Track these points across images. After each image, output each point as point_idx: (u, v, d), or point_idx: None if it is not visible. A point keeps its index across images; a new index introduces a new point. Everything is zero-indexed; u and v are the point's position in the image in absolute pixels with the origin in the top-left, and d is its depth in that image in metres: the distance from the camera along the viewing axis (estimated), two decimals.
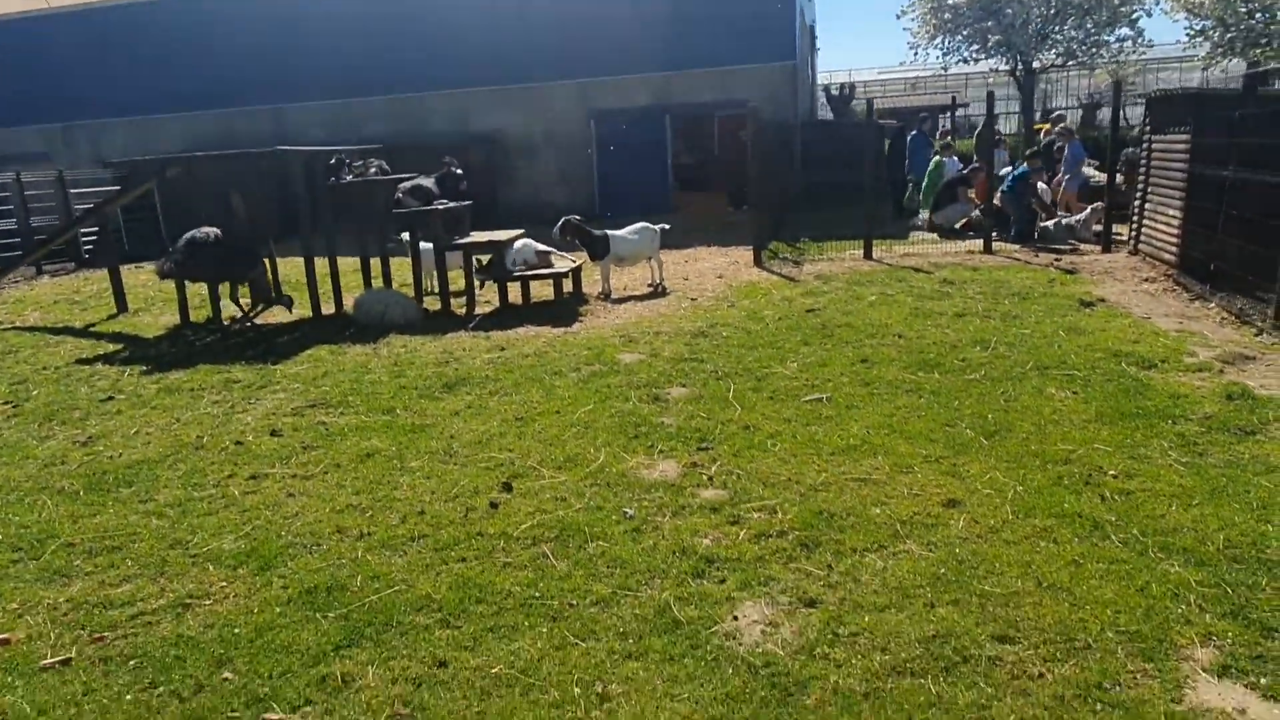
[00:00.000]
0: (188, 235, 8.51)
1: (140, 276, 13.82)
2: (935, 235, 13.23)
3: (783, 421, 5.34)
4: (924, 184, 14.57)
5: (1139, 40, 22.80)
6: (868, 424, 5.22)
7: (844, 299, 8.79)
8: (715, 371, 6.47)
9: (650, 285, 10.24)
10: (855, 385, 5.98)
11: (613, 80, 19.52)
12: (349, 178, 9.45)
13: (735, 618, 3.28)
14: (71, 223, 12.13)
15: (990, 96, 11.82)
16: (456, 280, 9.89)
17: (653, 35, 19.02)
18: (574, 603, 3.43)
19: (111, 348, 8.74)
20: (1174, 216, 9.45)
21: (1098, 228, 11.94)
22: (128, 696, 3.06)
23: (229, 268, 8.79)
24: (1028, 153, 12.64)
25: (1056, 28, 22.45)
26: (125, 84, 21.76)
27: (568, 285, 9.56)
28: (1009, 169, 13.51)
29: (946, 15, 22.26)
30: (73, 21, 22.15)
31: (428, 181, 9.64)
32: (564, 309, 9.18)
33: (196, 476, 5.01)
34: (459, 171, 9.91)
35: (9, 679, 3.20)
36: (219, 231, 8.66)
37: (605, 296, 9.69)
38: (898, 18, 24.74)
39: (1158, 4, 22.50)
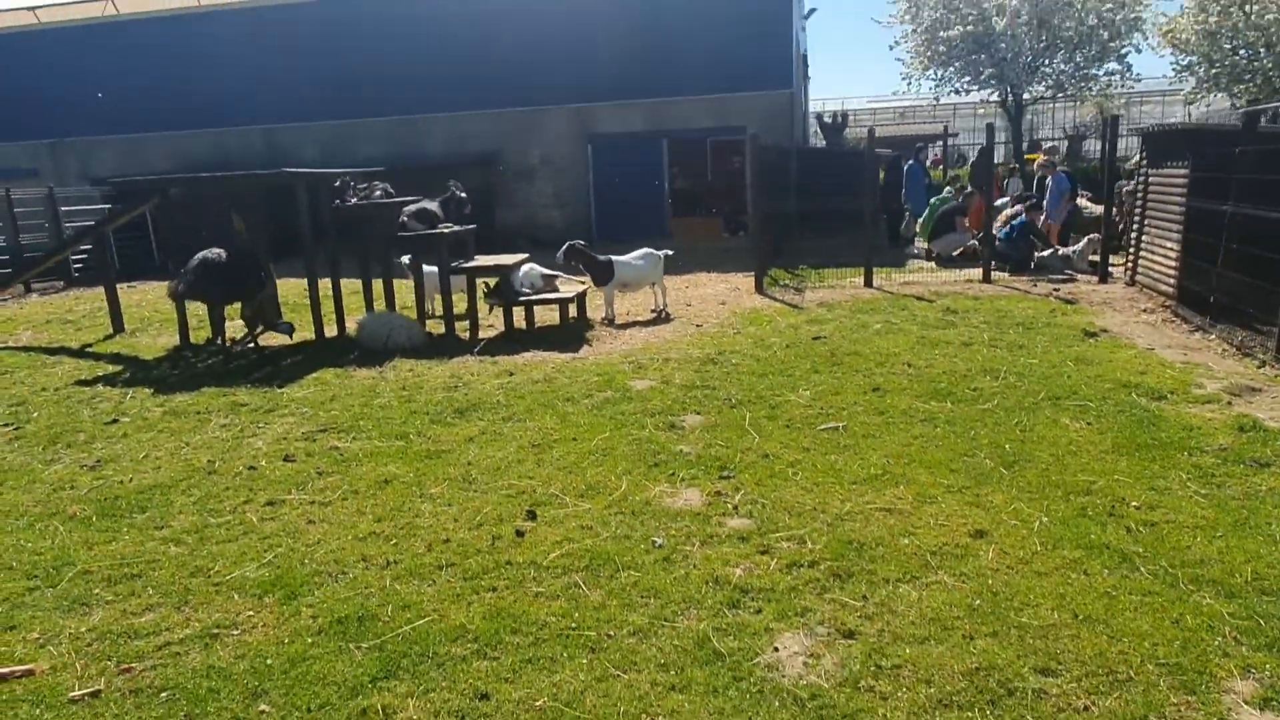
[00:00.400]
0: (199, 256, 8.48)
1: (133, 296, 13.74)
2: (933, 264, 13.37)
3: (801, 450, 5.36)
4: (925, 213, 14.72)
5: (1127, 74, 23.26)
6: (887, 453, 5.25)
7: (850, 327, 8.86)
8: (728, 399, 6.50)
9: (654, 311, 10.29)
10: (870, 414, 6.02)
11: (610, 106, 19.69)
12: (353, 200, 9.46)
13: (776, 649, 3.28)
14: (73, 239, 12.05)
15: (990, 129, 12.02)
16: (459, 303, 9.90)
17: (650, 61, 19.26)
18: (611, 633, 3.42)
19: (111, 369, 8.67)
20: (1172, 249, 9.60)
21: (1093, 258, 12.12)
22: None
23: (240, 289, 8.78)
24: (1028, 203, 12.82)
25: (1047, 61, 22.89)
26: (115, 101, 21.74)
27: (572, 310, 9.59)
28: (1006, 200, 13.70)
29: (940, 48, 22.64)
30: (62, 37, 22.14)
31: (432, 205, 9.69)
32: (570, 334, 9.20)
33: (212, 502, 4.98)
34: (463, 195, 9.97)
35: (38, 712, 3.15)
36: (228, 253, 8.64)
37: (610, 322, 9.72)
38: (890, 48, 25.07)
39: (1146, 40, 22.84)
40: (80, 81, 21.83)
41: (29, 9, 22.69)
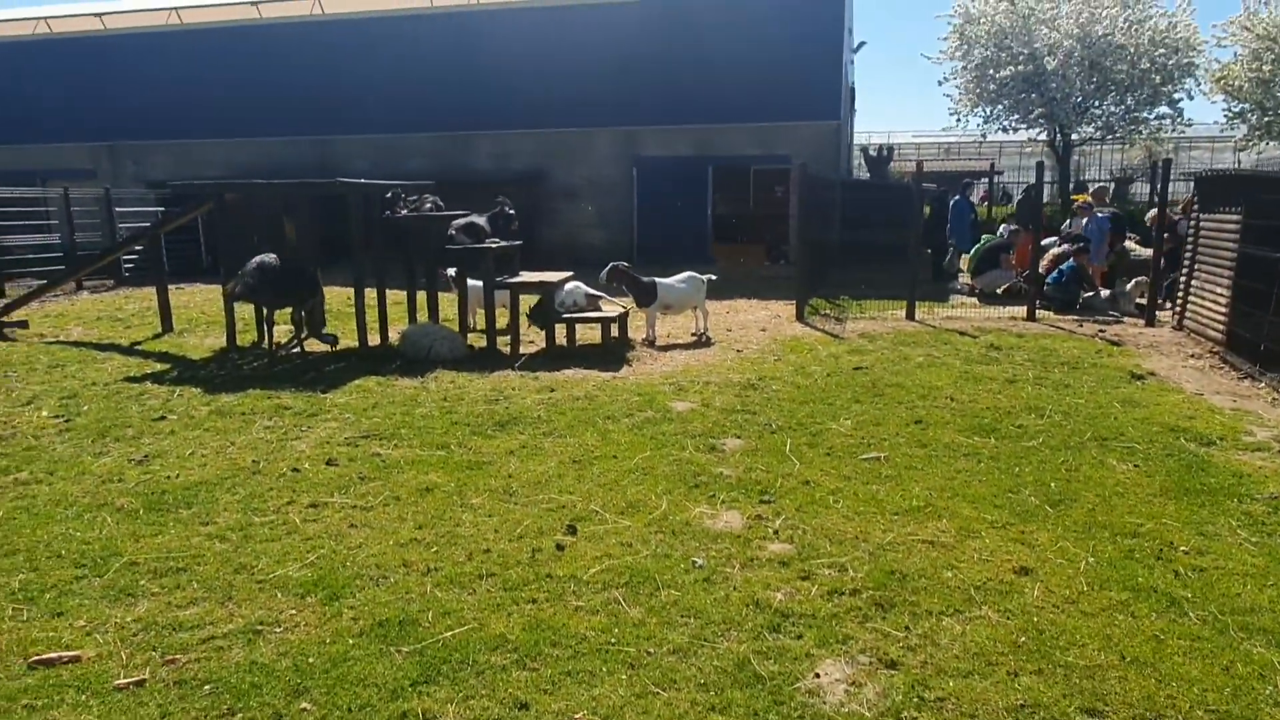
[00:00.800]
0: (256, 260, 8.67)
1: (181, 297, 14.04)
2: (976, 299, 13.28)
3: (842, 479, 5.34)
4: (973, 249, 14.62)
5: (1178, 119, 23.03)
6: (929, 486, 5.21)
7: (891, 358, 8.82)
8: (769, 425, 6.49)
9: (695, 334, 10.32)
10: (912, 446, 5.98)
11: (656, 130, 19.86)
12: (403, 212, 9.61)
13: (817, 675, 3.26)
14: (129, 239, 12.36)
15: (1040, 167, 11.98)
16: (501, 318, 10.00)
17: (698, 88, 19.42)
18: (651, 651, 3.42)
19: (159, 367, 8.85)
20: (1222, 295, 9.46)
21: (1141, 301, 11.97)
22: None
23: (294, 294, 8.95)
24: (1076, 246, 12.71)
25: (1097, 102, 22.73)
26: (172, 107, 22.32)
27: (614, 330, 9.64)
28: (1054, 240, 13.57)
29: (990, 85, 22.58)
30: (125, 44, 22.82)
31: (480, 219, 9.80)
32: (611, 353, 9.25)
33: (256, 501, 5.05)
34: (511, 212, 10.07)
35: (84, 698, 3.21)
36: (282, 259, 8.82)
37: (651, 343, 9.76)
38: (939, 84, 24.99)
39: (1198, 85, 22.62)
40: (140, 87, 22.46)
41: (96, 15, 23.41)
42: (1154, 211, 13.16)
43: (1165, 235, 12.05)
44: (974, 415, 6.72)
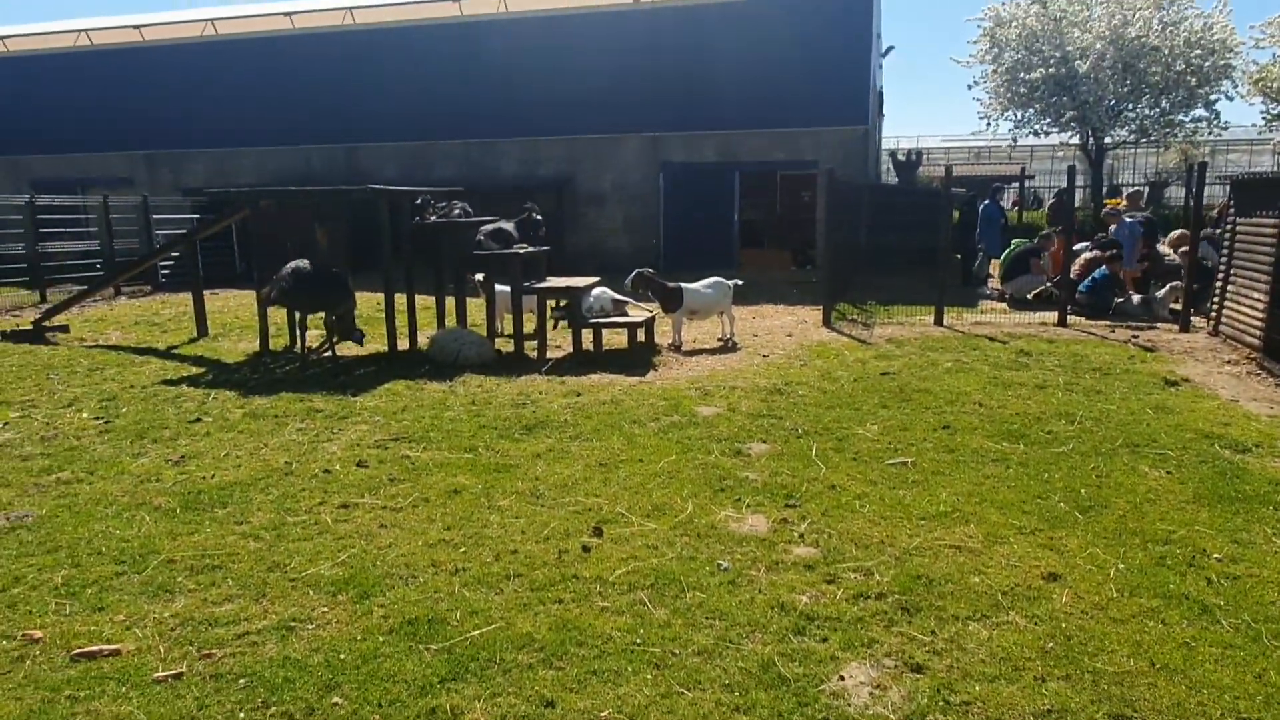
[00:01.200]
0: (291, 266, 8.83)
1: (216, 302, 14.28)
2: (1005, 305, 13.18)
3: (868, 483, 5.33)
4: (1003, 254, 14.50)
5: (1214, 121, 22.68)
6: (956, 491, 5.19)
7: (919, 364, 8.78)
8: (795, 429, 6.49)
9: (720, 339, 10.33)
10: (939, 451, 5.96)
11: (683, 135, 19.91)
12: (433, 218, 9.73)
13: (842, 678, 3.27)
14: (167, 245, 12.62)
15: (1071, 171, 11.86)
16: (529, 322, 10.08)
17: (725, 93, 19.44)
18: (676, 651, 3.45)
19: (195, 370, 9.02)
20: (1259, 300, 9.32)
21: (1175, 306, 11.82)
22: (240, 715, 3.13)
23: (326, 298, 9.09)
24: (1108, 252, 12.58)
25: (1131, 105, 22.46)
26: (207, 116, 22.70)
27: (640, 335, 9.69)
28: (1086, 244, 13.44)
29: (1021, 89, 22.38)
30: (163, 55, 23.25)
31: (508, 225, 9.90)
32: (637, 358, 9.29)
33: (289, 501, 5.14)
34: (539, 218, 10.19)
35: (124, 690, 3.29)
36: (315, 265, 8.97)
37: (677, 348, 9.79)
38: (969, 88, 24.83)
39: (1235, 87, 22.25)
40: (177, 96, 22.89)
41: (135, 27, 23.90)
42: (1177, 232, 13.11)
43: (1143, 261, 12.08)
44: (1003, 421, 6.68)
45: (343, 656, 3.45)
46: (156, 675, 3.36)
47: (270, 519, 4.87)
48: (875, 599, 3.86)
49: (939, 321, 11.44)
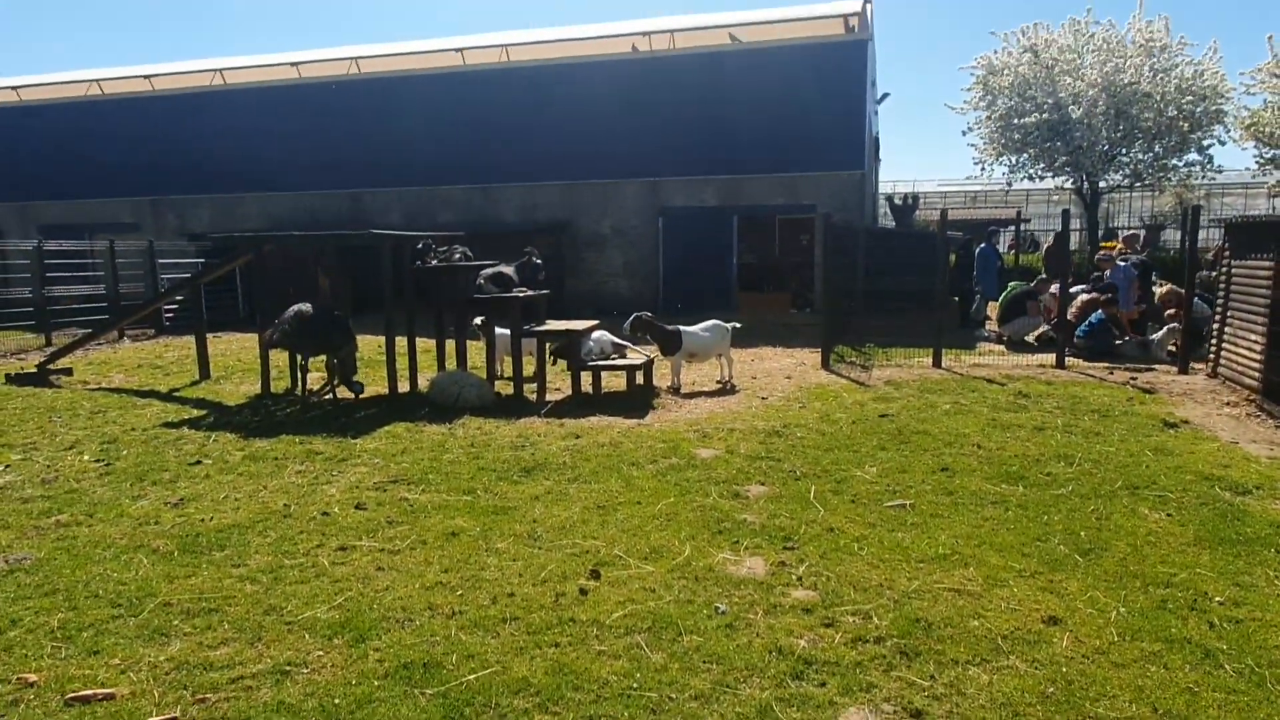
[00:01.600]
0: (294, 309, 8.88)
1: (219, 345, 14.33)
2: (1003, 347, 13.22)
3: (867, 526, 5.31)
4: (1000, 296, 14.57)
5: (1208, 165, 22.91)
6: (955, 534, 5.17)
7: (917, 406, 8.79)
8: (793, 472, 6.48)
9: (719, 382, 10.35)
10: (938, 494, 5.94)
11: (682, 180, 20.14)
12: (433, 262, 9.80)
13: None
14: (172, 288, 12.70)
15: (1066, 215, 11.97)
16: (528, 365, 10.10)
17: (723, 139, 19.70)
18: (673, 696, 3.41)
19: (196, 413, 9.03)
20: (1256, 342, 9.35)
21: (1172, 348, 11.85)
22: None
23: (328, 341, 9.11)
24: (1103, 297, 12.67)
25: (1124, 150, 22.70)
26: (213, 162, 22.99)
27: (639, 377, 9.71)
28: (1082, 287, 13.52)
29: (1015, 135, 22.64)
30: (170, 104, 23.60)
31: (508, 269, 9.98)
32: (636, 401, 9.31)
33: (286, 544, 5.12)
34: (539, 262, 10.26)
35: None
36: (317, 308, 9.02)
37: (675, 391, 9.81)
38: (963, 134, 25.11)
39: (1228, 132, 22.51)
40: (184, 143, 23.20)
41: (144, 76, 24.29)
42: (1165, 288, 13.25)
43: (1139, 304, 12.16)
44: (1002, 463, 6.67)
45: (337, 701, 3.42)
46: None
47: (268, 561, 4.85)
48: (874, 643, 3.83)
49: (937, 363, 11.46)
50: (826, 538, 5.10)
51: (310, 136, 22.40)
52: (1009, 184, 25.52)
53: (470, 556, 4.87)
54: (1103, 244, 20.26)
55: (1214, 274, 11.97)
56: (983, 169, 24.38)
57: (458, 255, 10.08)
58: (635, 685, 3.49)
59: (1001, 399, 9.15)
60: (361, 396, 9.55)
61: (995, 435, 7.56)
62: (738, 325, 10.67)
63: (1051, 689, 3.46)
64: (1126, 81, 21.53)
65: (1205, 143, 22.44)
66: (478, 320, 10.71)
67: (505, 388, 10.01)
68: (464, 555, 4.89)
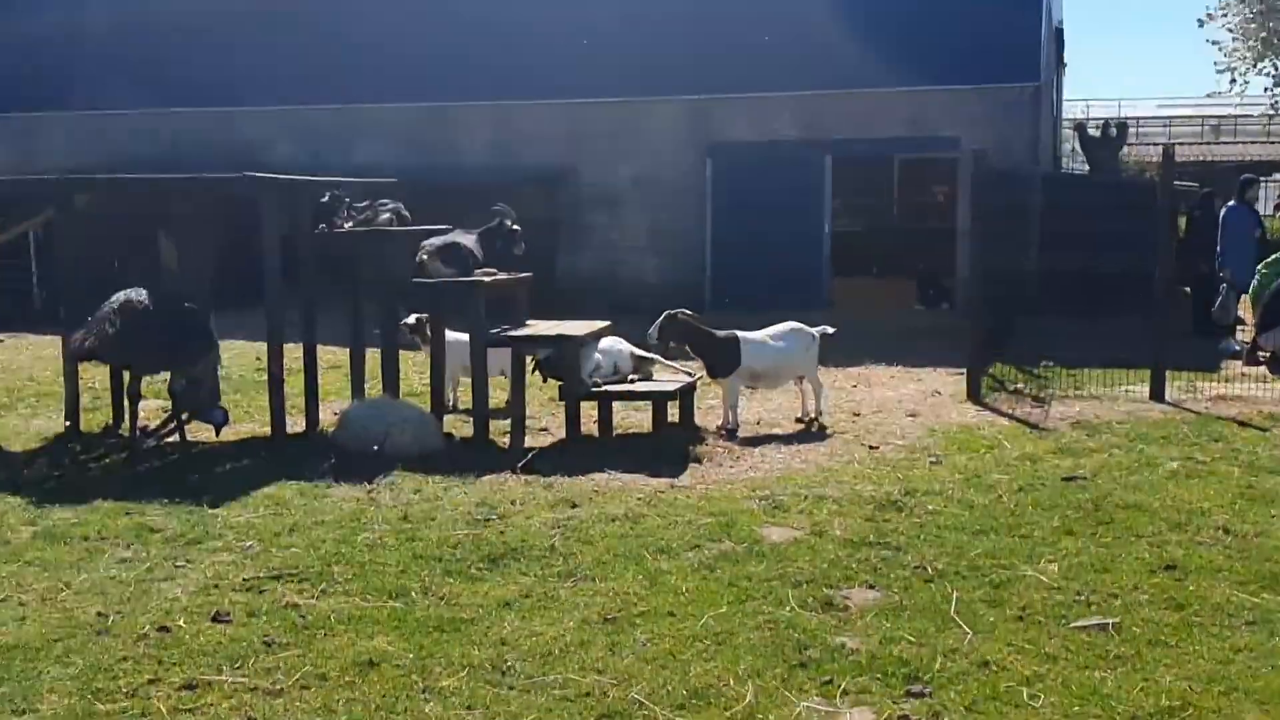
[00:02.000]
0: (118, 298, 8.88)
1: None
2: (1265, 368, 13.11)
3: (1043, 659, 5.25)
4: (1252, 286, 14.44)
5: None
6: (1187, 673, 5.10)
7: (1125, 464, 8.78)
8: (921, 567, 6.46)
9: (801, 419, 10.38)
10: (1159, 607, 5.89)
11: (743, 100, 20.11)
12: (348, 225, 9.82)
13: None
14: None
15: None
16: (498, 391, 10.10)
17: (808, 34, 19.68)
18: None
19: None
20: None
21: None
22: None
23: (173, 350, 9.10)
24: None
25: None
26: None
27: (673, 411, 9.71)
28: None
29: None
30: None
31: (467, 239, 9.95)
32: (667, 448, 9.35)
33: (100, 679, 5.09)
34: (515, 228, 10.20)
35: None
36: (157, 296, 9.03)
37: (730, 433, 9.81)
38: (1200, 24, 24.86)
39: None
40: None
41: None
42: None
43: None
44: (1262, 557, 6.62)
45: None
46: None
47: (69, 707, 4.82)
48: None
49: (1158, 395, 11.40)
50: (976, 678, 5.04)
51: (149, 22, 22.49)
52: (1274, 105, 25.36)
53: (398, 703, 4.83)
54: None
55: None
56: (1233, 81, 24.27)
57: (386, 215, 10.09)
58: None
59: (1262, 454, 9.10)
60: (228, 436, 9.57)
61: (1253, 513, 7.52)
62: (830, 330, 10.62)
63: None
64: None
65: None
66: (412, 318, 10.71)
67: (460, 425, 10.00)
68: (388, 701, 4.85)
